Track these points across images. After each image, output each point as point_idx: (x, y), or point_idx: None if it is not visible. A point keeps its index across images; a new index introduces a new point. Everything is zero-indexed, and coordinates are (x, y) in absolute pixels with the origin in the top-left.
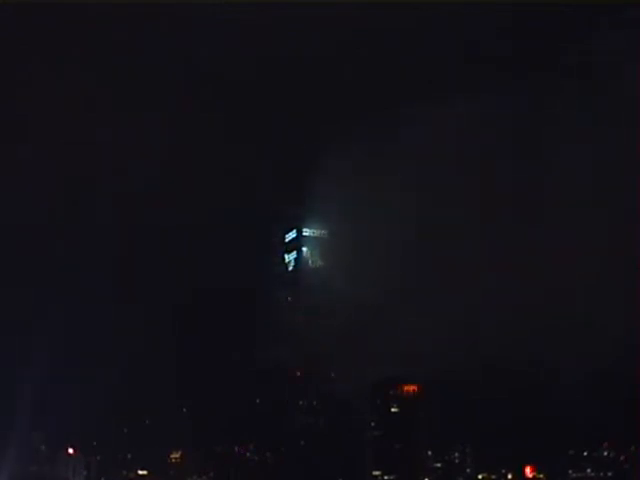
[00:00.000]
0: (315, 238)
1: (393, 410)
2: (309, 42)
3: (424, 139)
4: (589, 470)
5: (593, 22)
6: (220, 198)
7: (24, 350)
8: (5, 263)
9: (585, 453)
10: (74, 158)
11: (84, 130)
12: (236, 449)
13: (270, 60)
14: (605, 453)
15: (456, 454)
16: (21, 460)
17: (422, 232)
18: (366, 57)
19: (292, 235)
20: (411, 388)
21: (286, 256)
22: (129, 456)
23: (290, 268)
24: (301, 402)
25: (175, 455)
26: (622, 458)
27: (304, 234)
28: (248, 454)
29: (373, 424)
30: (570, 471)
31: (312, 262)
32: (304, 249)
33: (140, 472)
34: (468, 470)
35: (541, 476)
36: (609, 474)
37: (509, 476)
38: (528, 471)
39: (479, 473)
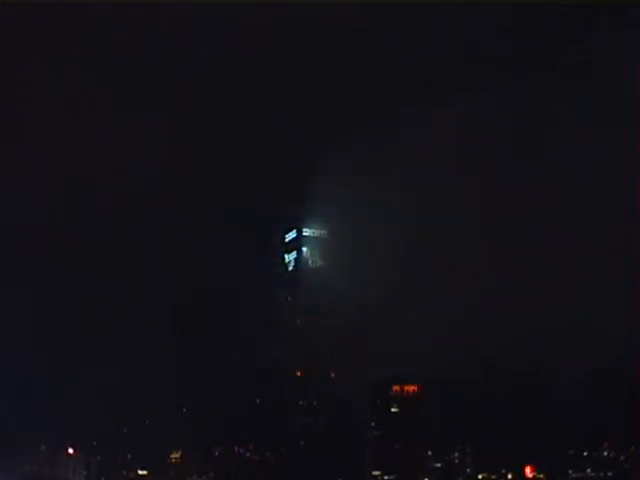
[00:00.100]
0: (315, 238)
1: (393, 410)
2: (309, 42)
3: (424, 139)
4: (589, 470)
5: (593, 22)
6: (220, 198)
7: (24, 350)
8: (5, 263)
9: (585, 453)
10: (74, 158)
11: (84, 130)
12: (236, 449)
13: (270, 60)
14: (605, 453)
15: (456, 454)
16: (21, 460)
17: (422, 232)
18: (366, 57)
19: (292, 235)
20: (411, 388)
21: (286, 256)
22: (129, 456)
23: (290, 268)
24: (301, 402)
25: (175, 455)
26: (622, 458)
27: (304, 234)
28: (248, 454)
29: (373, 424)
30: (570, 471)
31: (312, 262)
32: (304, 249)
33: (140, 472)
34: (468, 470)
35: (541, 476)
36: (609, 474)
37: (509, 476)
38: (528, 471)
39: (479, 473)
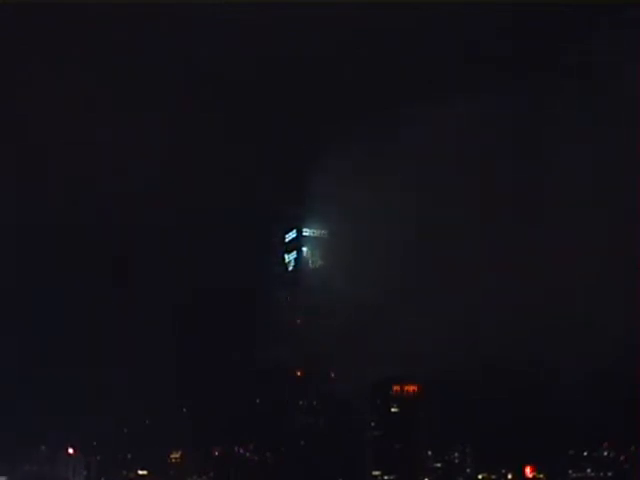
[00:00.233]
0: (315, 238)
1: (393, 410)
2: (309, 42)
3: (424, 139)
4: (589, 470)
5: (593, 22)
6: (220, 198)
7: (23, 350)
8: (5, 263)
9: (585, 453)
10: (74, 158)
11: (84, 130)
12: (236, 449)
13: (270, 60)
14: (605, 453)
15: (456, 454)
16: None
17: (422, 232)
18: (366, 57)
19: (292, 235)
20: (411, 388)
21: (286, 256)
22: (129, 456)
23: (290, 268)
24: (301, 402)
25: (175, 455)
26: (622, 458)
27: (304, 234)
28: (248, 454)
29: (373, 424)
30: (570, 471)
31: (312, 262)
32: (304, 249)
33: (140, 472)
34: (468, 470)
35: (541, 476)
36: (609, 474)
37: (509, 476)
38: (528, 471)
39: (479, 473)
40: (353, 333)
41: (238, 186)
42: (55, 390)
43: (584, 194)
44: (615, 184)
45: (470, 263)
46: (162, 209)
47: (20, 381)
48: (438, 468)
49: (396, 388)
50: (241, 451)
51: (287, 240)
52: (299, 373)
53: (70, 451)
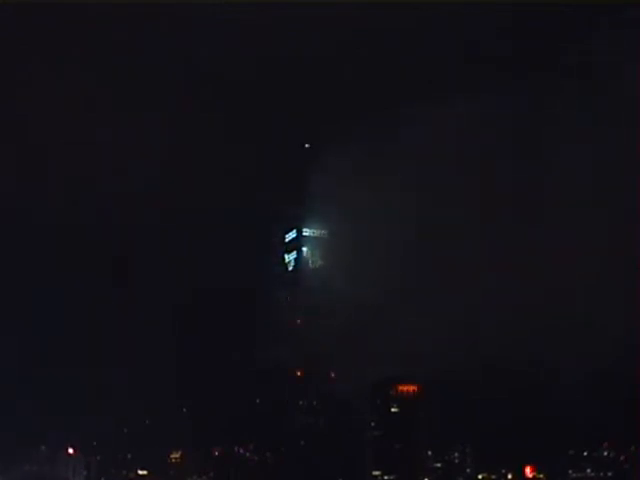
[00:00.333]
0: (315, 238)
1: (393, 410)
2: (309, 42)
3: (424, 139)
4: (589, 470)
5: (593, 22)
6: (220, 198)
7: (23, 350)
8: (4, 263)
9: (585, 453)
10: (74, 158)
11: (84, 130)
12: (236, 449)
13: (270, 60)
14: (605, 453)
15: (456, 454)
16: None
17: (422, 232)
18: (366, 57)
19: (292, 235)
20: (411, 388)
21: (286, 256)
22: (129, 456)
23: (290, 268)
24: (301, 402)
25: (175, 455)
26: (622, 458)
27: (304, 234)
28: (248, 454)
29: (373, 424)
30: (570, 471)
31: (312, 262)
32: (304, 249)
33: (140, 472)
34: (468, 470)
35: (541, 476)
36: (609, 474)
37: (509, 476)
38: (528, 471)
39: (479, 473)
40: (353, 333)
41: (238, 186)
42: (55, 390)
43: (584, 194)
44: (615, 184)
45: (470, 263)
46: (162, 209)
47: (20, 381)
48: (438, 468)
49: (396, 388)
50: (241, 451)
51: (287, 240)
52: (299, 373)
53: (70, 451)
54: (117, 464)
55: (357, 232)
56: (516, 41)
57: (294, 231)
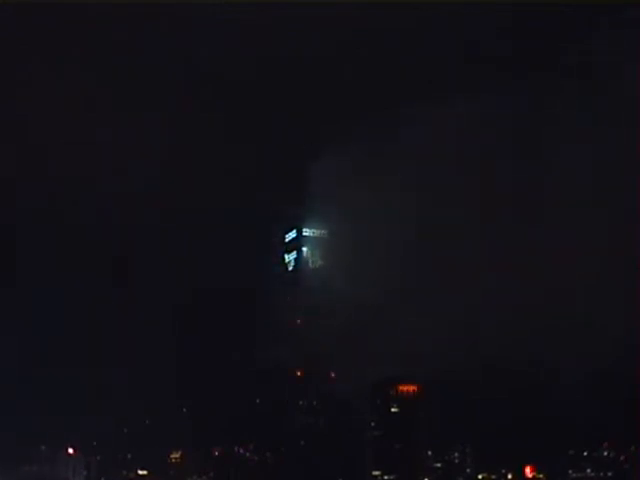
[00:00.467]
0: (315, 238)
1: (393, 410)
2: (309, 42)
3: (424, 139)
4: (589, 470)
5: (593, 22)
6: (220, 198)
7: (23, 350)
8: (4, 263)
9: (585, 453)
10: (74, 158)
11: (84, 130)
12: (236, 449)
13: (270, 60)
14: (605, 453)
15: (456, 454)
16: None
17: (422, 232)
18: (366, 57)
19: (292, 235)
20: (411, 388)
21: (286, 256)
22: (129, 456)
23: (290, 268)
24: (301, 402)
25: (175, 455)
26: (622, 458)
27: (304, 234)
28: (248, 454)
29: (373, 424)
30: (570, 471)
31: (312, 262)
32: (304, 249)
33: (140, 472)
34: (468, 470)
35: (541, 476)
36: (609, 474)
37: (509, 476)
38: (528, 471)
39: (479, 473)
40: (353, 333)
41: (238, 186)
42: (55, 390)
43: (584, 194)
44: (615, 184)
45: (470, 263)
46: (162, 209)
47: (20, 381)
48: (438, 468)
49: (396, 388)
50: (241, 451)
51: (287, 240)
52: (299, 373)
53: (70, 451)
54: (117, 464)
55: (357, 232)
56: (516, 41)
57: (294, 231)
